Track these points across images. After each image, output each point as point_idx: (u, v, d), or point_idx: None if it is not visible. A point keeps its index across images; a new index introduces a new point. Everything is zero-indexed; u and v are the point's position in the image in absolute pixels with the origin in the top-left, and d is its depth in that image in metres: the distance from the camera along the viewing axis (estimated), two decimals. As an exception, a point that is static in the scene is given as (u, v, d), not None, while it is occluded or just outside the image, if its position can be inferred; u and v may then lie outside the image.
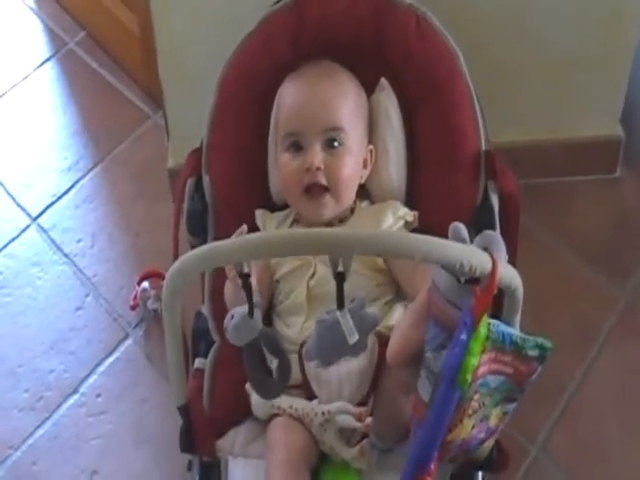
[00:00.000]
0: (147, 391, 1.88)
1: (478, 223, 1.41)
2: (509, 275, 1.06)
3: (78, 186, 2.21)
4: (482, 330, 1.04)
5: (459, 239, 1.05)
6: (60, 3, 2.52)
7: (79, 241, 2.13)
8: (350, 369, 1.31)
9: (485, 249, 1.04)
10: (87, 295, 2.04)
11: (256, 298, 1.20)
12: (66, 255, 2.10)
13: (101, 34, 2.43)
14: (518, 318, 1.11)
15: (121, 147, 2.27)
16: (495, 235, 1.06)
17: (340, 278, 1.07)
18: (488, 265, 1.01)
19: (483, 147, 1.47)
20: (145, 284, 1.97)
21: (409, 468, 1.13)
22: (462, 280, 1.05)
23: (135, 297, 1.97)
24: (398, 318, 1.38)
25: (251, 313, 1.20)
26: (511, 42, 1.87)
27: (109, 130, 2.30)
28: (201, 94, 1.54)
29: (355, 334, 1.16)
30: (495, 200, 1.44)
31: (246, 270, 1.14)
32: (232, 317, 1.23)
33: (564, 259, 2.01)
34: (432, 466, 1.12)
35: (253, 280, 1.17)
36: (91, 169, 2.24)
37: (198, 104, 1.55)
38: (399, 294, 1.44)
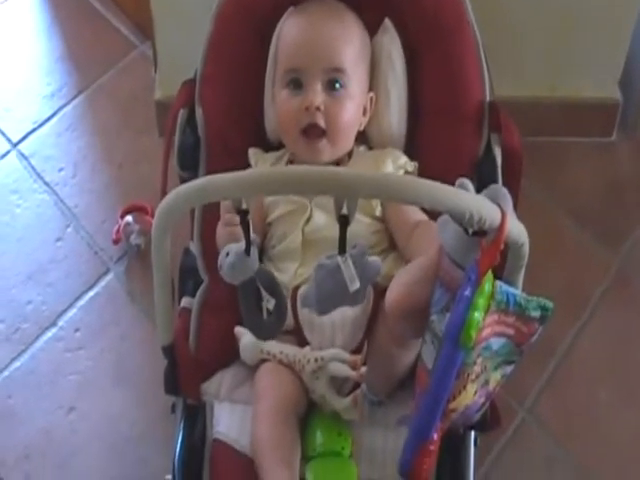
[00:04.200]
0: (127, 329, 1.84)
1: (480, 176, 1.39)
2: (517, 230, 1.03)
3: (61, 114, 2.18)
4: (487, 286, 1.01)
5: None
6: None
7: (60, 170, 2.09)
8: (344, 316, 1.29)
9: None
10: (68, 226, 2.00)
11: (253, 235, 1.17)
12: (47, 184, 2.06)
13: (89, -42, 2.36)
14: (521, 276, 1.08)
15: (106, 76, 2.24)
16: (502, 189, 1.03)
17: (344, 221, 1.04)
18: (497, 217, 0.98)
19: (487, 98, 1.44)
20: (128, 218, 1.93)
21: (411, 438, 1.11)
22: (470, 232, 1.02)
23: (118, 231, 1.93)
24: (393, 267, 1.35)
25: (248, 251, 1.16)
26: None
27: (94, 58, 2.27)
28: (193, 24, 1.50)
29: (357, 281, 1.12)
30: (498, 153, 1.41)
31: (244, 206, 1.10)
32: (227, 254, 1.19)
33: (557, 220, 1.99)
34: (435, 435, 1.09)
35: (251, 217, 1.14)
36: (75, 97, 2.20)
37: (189, 34, 1.51)
38: (394, 243, 1.42)
